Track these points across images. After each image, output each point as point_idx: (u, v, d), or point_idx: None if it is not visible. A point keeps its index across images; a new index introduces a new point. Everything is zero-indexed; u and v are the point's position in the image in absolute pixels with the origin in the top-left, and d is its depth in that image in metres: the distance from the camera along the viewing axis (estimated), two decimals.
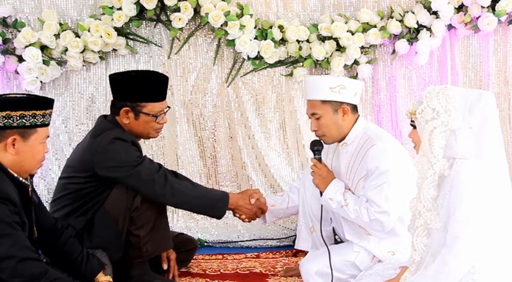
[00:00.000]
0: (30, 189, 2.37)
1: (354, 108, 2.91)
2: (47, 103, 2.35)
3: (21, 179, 2.31)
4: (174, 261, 3.09)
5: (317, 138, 2.95)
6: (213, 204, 2.98)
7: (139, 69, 3.97)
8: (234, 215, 3.15)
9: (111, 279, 2.52)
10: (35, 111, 2.27)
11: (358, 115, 2.94)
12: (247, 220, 3.14)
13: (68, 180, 2.92)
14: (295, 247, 3.25)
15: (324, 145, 2.97)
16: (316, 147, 2.93)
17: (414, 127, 2.21)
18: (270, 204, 3.16)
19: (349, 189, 2.88)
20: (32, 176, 2.41)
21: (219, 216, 3.02)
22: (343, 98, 2.84)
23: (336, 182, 2.86)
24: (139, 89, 2.89)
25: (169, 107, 3.03)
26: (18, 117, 2.23)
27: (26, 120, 2.25)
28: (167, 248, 3.04)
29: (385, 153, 2.77)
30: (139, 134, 2.97)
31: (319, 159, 2.92)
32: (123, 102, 2.91)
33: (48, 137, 2.40)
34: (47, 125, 2.36)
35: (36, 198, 2.47)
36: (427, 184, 2.11)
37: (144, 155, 2.95)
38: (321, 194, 2.86)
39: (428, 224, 2.13)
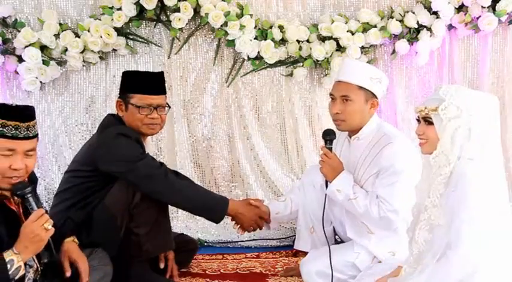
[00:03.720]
0: (9, 199, 2.24)
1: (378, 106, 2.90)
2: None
3: None
4: (172, 260, 3.06)
5: (330, 128, 2.89)
6: (211, 206, 2.95)
7: (140, 69, 3.97)
8: (234, 225, 3.09)
9: (75, 239, 2.51)
10: None
11: None
12: (246, 231, 3.07)
13: (72, 173, 2.96)
14: (294, 247, 3.24)
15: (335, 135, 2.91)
16: (329, 136, 2.85)
17: (429, 123, 2.17)
18: (274, 212, 3.10)
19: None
20: (21, 185, 2.21)
21: (217, 219, 2.98)
22: (376, 91, 2.83)
23: (346, 174, 2.81)
24: (130, 81, 2.97)
25: (169, 106, 3.03)
26: None
27: None
28: (168, 249, 3.02)
29: (401, 153, 2.74)
30: (133, 128, 2.94)
31: (330, 149, 2.85)
32: (119, 95, 3.00)
33: (10, 150, 2.15)
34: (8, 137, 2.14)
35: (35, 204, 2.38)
36: (440, 181, 2.11)
37: (146, 153, 2.94)
38: (326, 185, 2.82)
39: (432, 220, 2.13)
